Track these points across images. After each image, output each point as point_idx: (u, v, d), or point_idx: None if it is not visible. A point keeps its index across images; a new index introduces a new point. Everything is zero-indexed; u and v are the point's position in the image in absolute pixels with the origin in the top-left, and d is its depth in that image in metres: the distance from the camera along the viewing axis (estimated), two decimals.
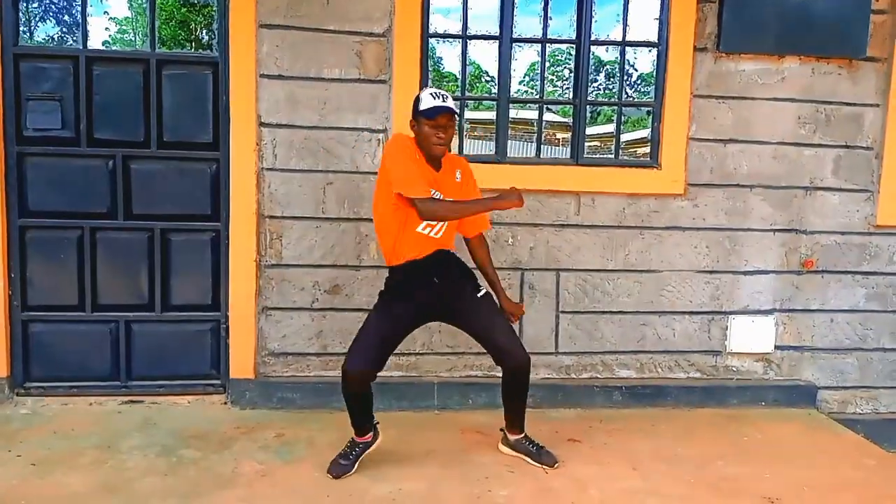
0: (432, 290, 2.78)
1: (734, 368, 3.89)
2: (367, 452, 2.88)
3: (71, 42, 3.51)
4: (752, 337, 3.84)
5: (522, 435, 3.04)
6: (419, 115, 2.66)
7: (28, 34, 3.50)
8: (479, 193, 2.92)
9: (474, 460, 3.00)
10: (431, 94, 2.66)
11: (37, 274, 3.54)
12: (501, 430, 3.09)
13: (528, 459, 2.99)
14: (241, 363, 3.57)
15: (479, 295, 2.87)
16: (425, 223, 2.72)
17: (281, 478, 2.78)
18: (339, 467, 2.81)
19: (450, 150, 2.78)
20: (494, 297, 2.97)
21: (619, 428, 3.44)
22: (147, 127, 3.52)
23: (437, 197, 2.68)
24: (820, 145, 3.80)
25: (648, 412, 3.68)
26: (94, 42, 3.51)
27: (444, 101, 2.63)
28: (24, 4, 3.45)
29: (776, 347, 3.89)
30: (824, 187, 3.83)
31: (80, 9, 3.46)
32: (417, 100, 2.70)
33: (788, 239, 3.84)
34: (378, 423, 2.95)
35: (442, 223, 2.76)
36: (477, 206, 2.77)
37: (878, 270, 3.92)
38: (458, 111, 2.73)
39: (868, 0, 3.66)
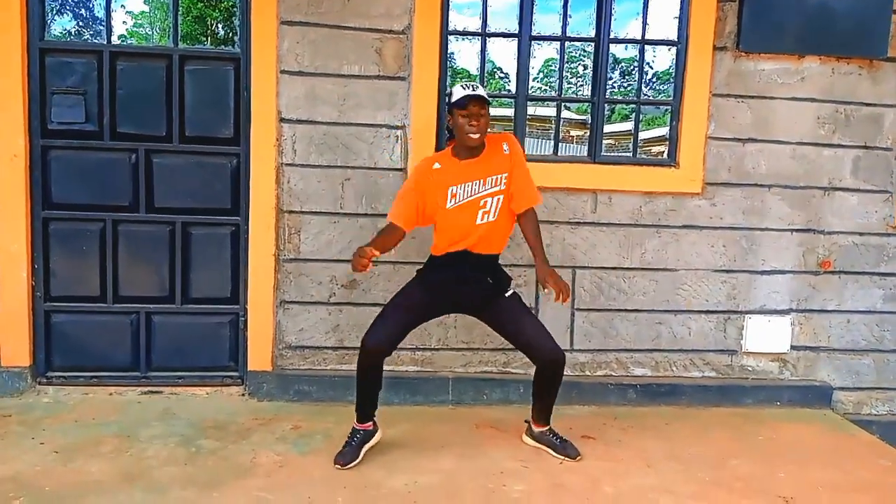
0: (459, 292, 2.92)
1: (749, 368, 3.89)
2: (369, 444, 2.92)
3: (88, 37, 3.55)
4: (768, 337, 3.84)
5: (547, 427, 3.09)
6: (452, 108, 2.79)
7: (52, 29, 3.54)
8: (526, 164, 2.94)
9: (489, 455, 3.03)
10: (462, 86, 2.80)
11: (59, 265, 3.59)
12: (526, 421, 3.15)
13: (551, 451, 3.03)
14: (258, 356, 3.62)
15: (507, 295, 2.92)
16: (482, 212, 2.80)
17: (298, 469, 2.82)
18: (345, 456, 2.85)
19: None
20: (522, 296, 3.04)
21: (634, 426, 3.45)
22: (169, 121, 3.56)
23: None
24: (839, 146, 3.79)
25: (663, 410, 3.69)
26: (115, 37, 3.55)
27: (473, 90, 2.74)
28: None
29: (792, 347, 3.89)
30: (843, 188, 3.82)
31: (103, 4, 3.50)
32: (449, 95, 2.85)
33: (806, 239, 3.83)
34: (375, 418, 2.97)
35: (496, 208, 2.82)
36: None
37: (895, 272, 3.90)
38: (489, 100, 2.78)
39: (889, 0, 3.64)
